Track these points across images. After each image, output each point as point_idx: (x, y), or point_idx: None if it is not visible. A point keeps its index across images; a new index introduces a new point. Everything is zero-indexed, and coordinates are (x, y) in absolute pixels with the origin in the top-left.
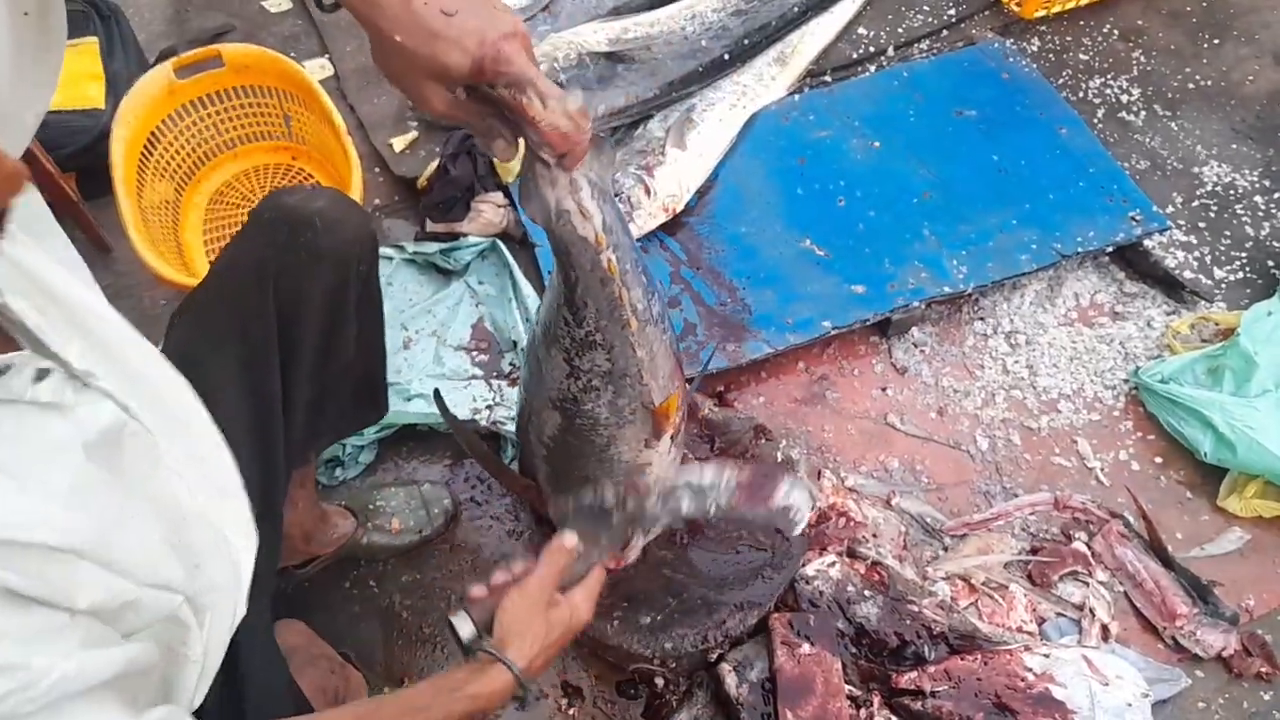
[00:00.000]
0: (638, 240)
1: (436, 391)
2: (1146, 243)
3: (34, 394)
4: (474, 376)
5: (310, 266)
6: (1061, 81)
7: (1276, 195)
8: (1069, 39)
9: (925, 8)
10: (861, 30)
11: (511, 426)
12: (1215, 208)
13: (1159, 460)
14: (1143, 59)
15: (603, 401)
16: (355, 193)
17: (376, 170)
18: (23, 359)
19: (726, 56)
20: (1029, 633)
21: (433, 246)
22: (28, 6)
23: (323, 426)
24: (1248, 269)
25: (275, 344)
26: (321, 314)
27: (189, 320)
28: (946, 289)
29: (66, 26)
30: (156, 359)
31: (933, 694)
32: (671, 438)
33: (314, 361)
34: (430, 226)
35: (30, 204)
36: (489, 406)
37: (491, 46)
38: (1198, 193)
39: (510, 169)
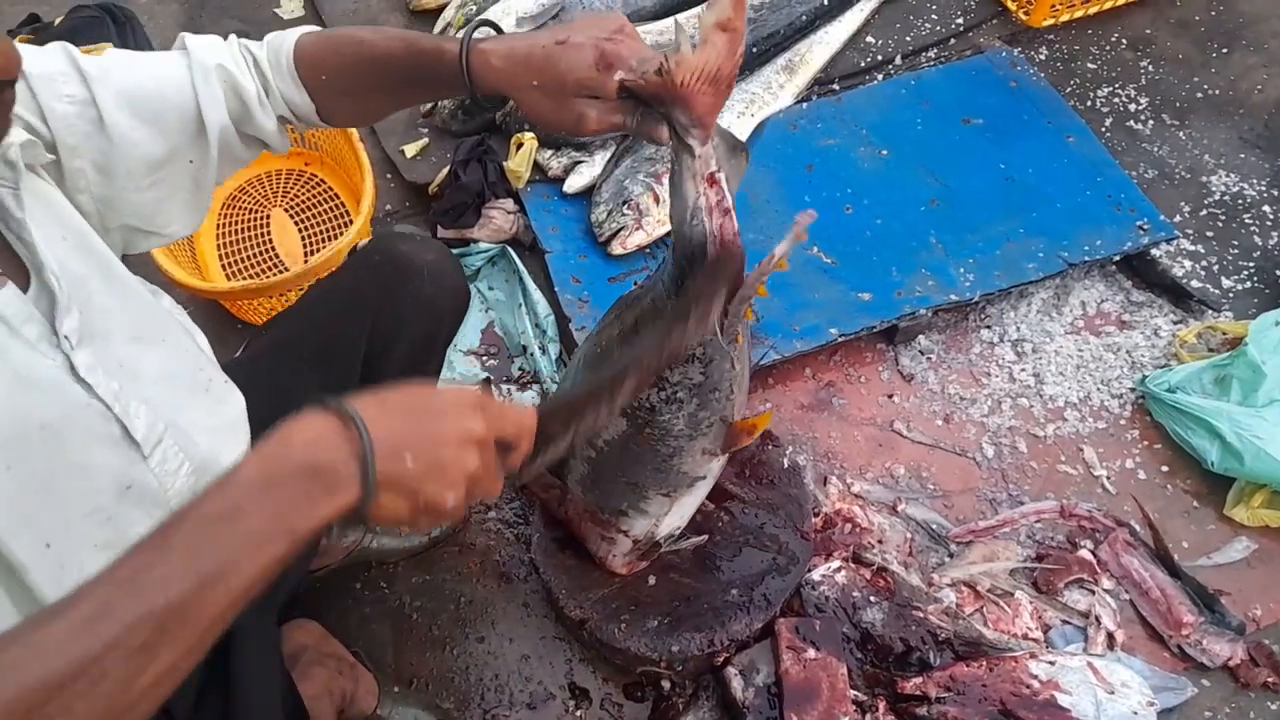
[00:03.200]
0: (644, 248)
1: (488, 381)
2: (1154, 252)
3: None
4: (484, 381)
5: (410, 312)
6: (1069, 90)
7: None
8: (1077, 48)
9: (933, 17)
10: (869, 39)
11: None
12: (1223, 217)
13: (1165, 469)
14: (1151, 68)
15: (683, 413)
16: (367, 198)
17: (388, 176)
18: None
19: None
20: (1034, 640)
21: None
22: (192, 157)
23: None
24: (1255, 278)
25: (358, 378)
26: (407, 357)
27: (277, 338)
28: (953, 297)
29: (216, 171)
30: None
31: (938, 700)
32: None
33: None
34: (441, 232)
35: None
36: None
37: (604, 42)
38: (1205, 202)
39: (521, 175)
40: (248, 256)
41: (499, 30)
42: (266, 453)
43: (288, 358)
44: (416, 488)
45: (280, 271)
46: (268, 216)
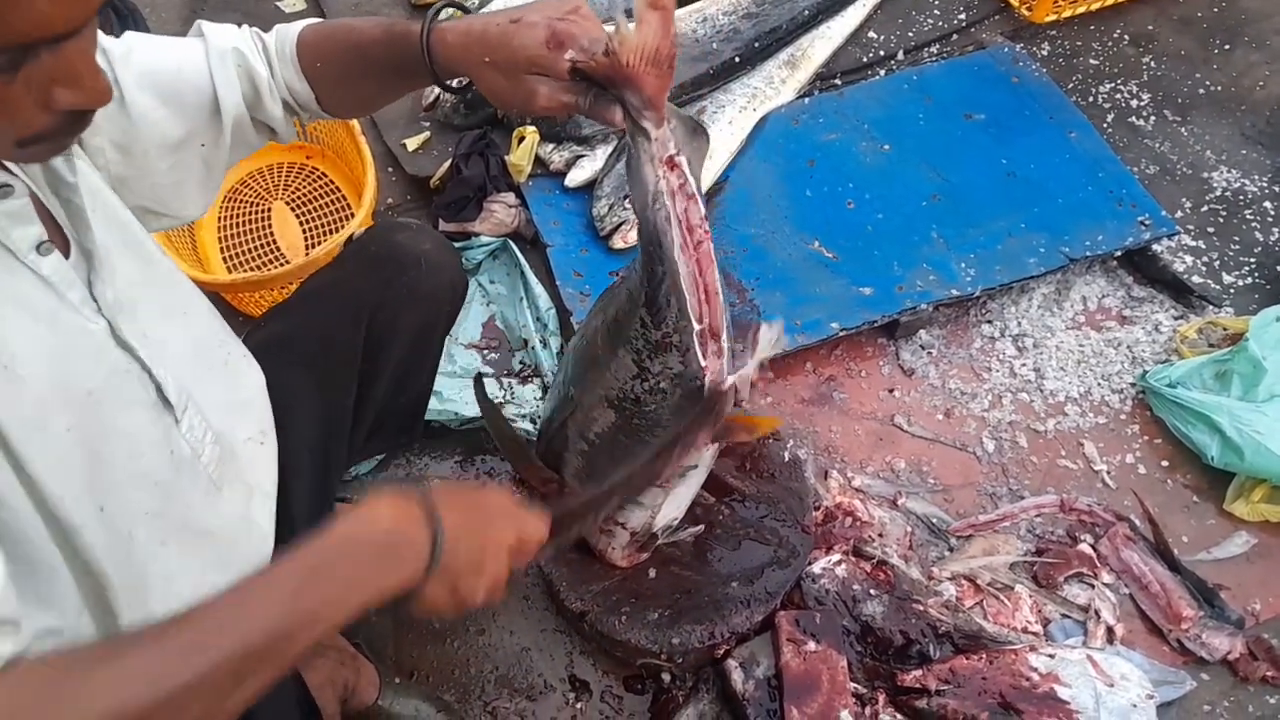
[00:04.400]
0: None
1: (479, 378)
2: (1155, 247)
3: (35, 262)
4: (484, 374)
5: (406, 304)
6: (1071, 86)
7: None
8: (1079, 44)
9: (935, 12)
10: (871, 34)
11: (522, 424)
12: (1224, 213)
13: (1166, 464)
14: (1153, 64)
15: (668, 404)
16: (368, 192)
17: (390, 170)
18: (23, 209)
19: (737, 59)
20: (1034, 633)
21: None
22: (204, 140)
23: (370, 448)
24: (1256, 274)
25: (356, 372)
26: (406, 349)
27: (275, 331)
28: (954, 292)
29: (228, 155)
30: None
31: (937, 692)
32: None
33: (387, 391)
34: (442, 226)
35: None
36: (499, 404)
37: (557, 22)
38: (1207, 198)
39: (522, 168)
40: (249, 249)
41: (467, 12)
42: (362, 517)
43: (286, 351)
44: (459, 581)
45: (281, 264)
46: (269, 209)
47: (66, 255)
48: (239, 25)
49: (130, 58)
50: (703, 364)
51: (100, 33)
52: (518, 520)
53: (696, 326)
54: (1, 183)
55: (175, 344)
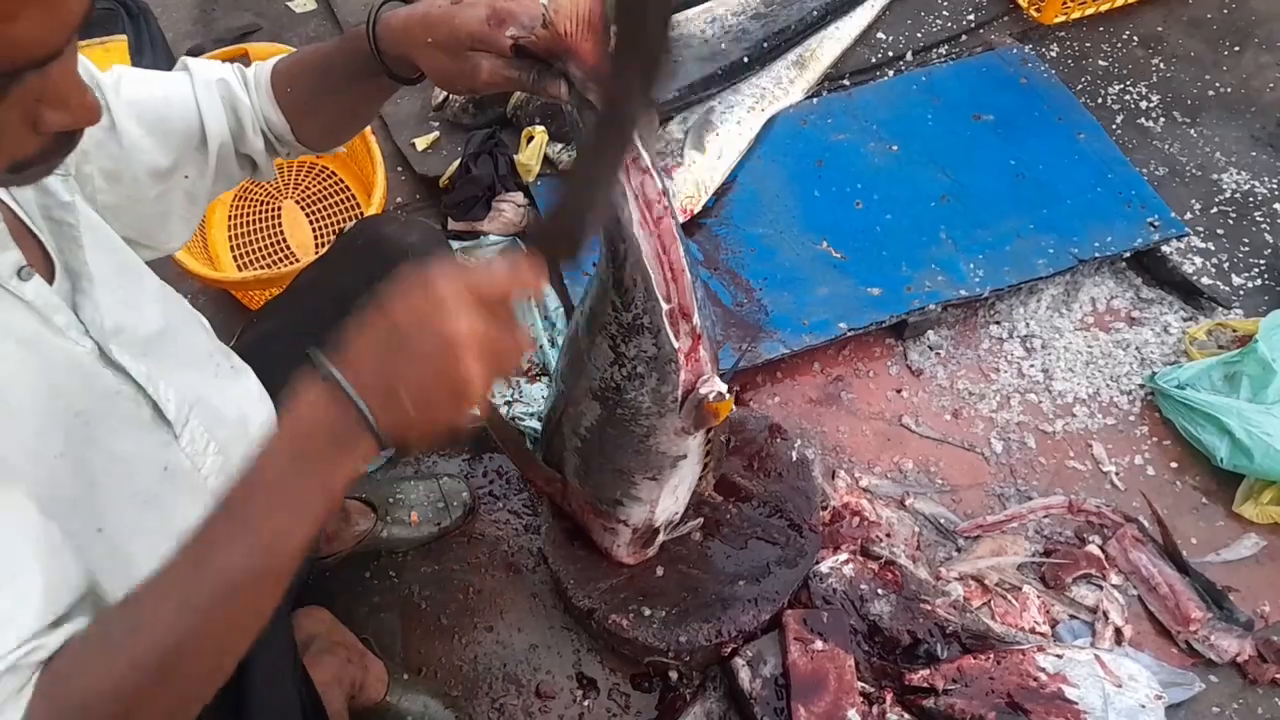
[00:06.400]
0: None
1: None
2: (1164, 249)
3: (17, 287)
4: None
5: None
6: (1080, 87)
7: None
8: (1088, 45)
9: (944, 13)
10: (880, 35)
11: (530, 422)
12: (1234, 214)
13: (1174, 465)
14: (1162, 65)
15: (646, 389)
16: (378, 191)
17: (399, 169)
18: (1, 236)
19: (746, 60)
20: (1042, 634)
21: (454, 244)
22: (188, 172)
23: None
24: (1266, 276)
25: None
26: None
27: (265, 330)
28: (963, 292)
29: (211, 185)
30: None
31: (945, 692)
32: (707, 429)
33: None
34: (451, 225)
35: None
36: (507, 402)
37: (498, 0)
38: (1216, 199)
39: (531, 168)
40: (259, 247)
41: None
42: (285, 427)
43: (278, 349)
44: (428, 418)
45: (291, 262)
46: (279, 208)
47: (50, 279)
48: (249, 26)
49: (120, 86)
50: (675, 345)
51: (92, 64)
52: (470, 300)
53: (665, 306)
54: None
55: (169, 356)
